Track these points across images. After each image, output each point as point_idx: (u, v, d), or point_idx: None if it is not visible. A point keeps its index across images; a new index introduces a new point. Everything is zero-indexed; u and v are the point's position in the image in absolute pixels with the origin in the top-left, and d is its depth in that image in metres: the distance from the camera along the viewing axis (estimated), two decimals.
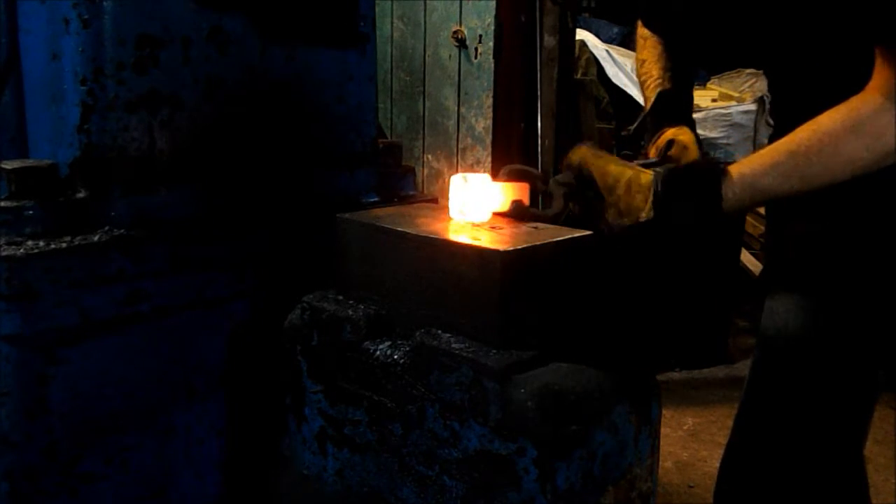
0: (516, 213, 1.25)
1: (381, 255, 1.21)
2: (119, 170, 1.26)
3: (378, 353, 1.16)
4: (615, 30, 5.54)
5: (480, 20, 3.04)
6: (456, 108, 3.17)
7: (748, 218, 3.98)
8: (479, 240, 1.12)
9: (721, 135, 4.61)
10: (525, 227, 1.22)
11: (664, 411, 1.55)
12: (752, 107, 4.58)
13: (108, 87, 1.22)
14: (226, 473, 1.41)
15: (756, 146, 4.44)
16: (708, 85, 5.04)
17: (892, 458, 2.53)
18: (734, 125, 4.60)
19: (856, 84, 1.10)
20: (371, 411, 1.18)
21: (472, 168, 3.14)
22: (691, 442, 2.74)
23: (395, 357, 1.14)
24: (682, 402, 3.04)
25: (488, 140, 3.09)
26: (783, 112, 1.38)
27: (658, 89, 1.49)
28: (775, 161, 1.13)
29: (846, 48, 1.17)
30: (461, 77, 3.13)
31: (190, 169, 1.34)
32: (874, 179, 1.12)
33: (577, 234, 1.18)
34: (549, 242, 1.13)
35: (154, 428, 1.30)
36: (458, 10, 3.09)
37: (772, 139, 1.25)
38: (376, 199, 1.62)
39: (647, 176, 1.18)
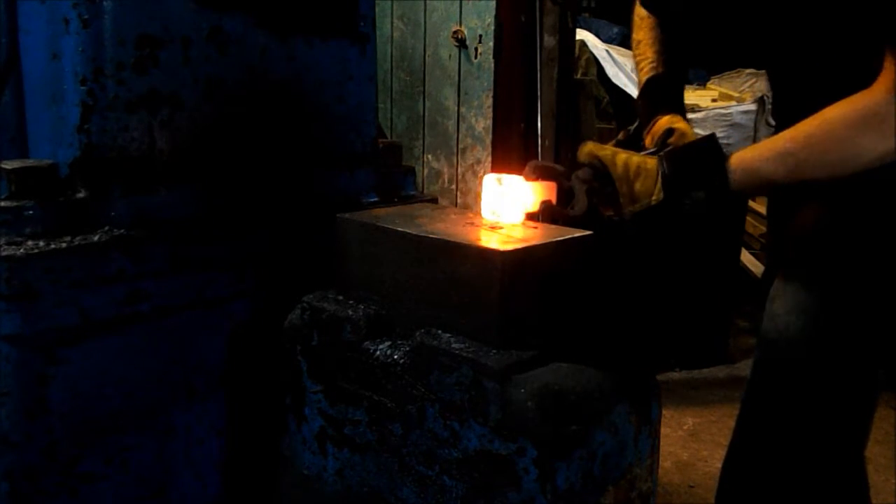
0: (547, 214, 1.25)
1: (381, 255, 1.21)
2: (119, 170, 1.26)
3: (378, 353, 1.16)
4: (615, 30, 5.53)
5: (480, 20, 3.03)
6: (456, 108, 3.16)
7: (748, 218, 3.98)
8: (479, 240, 1.12)
9: (721, 135, 4.57)
10: (525, 227, 1.22)
11: (664, 411, 1.56)
12: (752, 107, 4.58)
13: (108, 87, 1.23)
14: (226, 473, 1.41)
15: None
16: (708, 85, 5.03)
17: (892, 458, 2.53)
18: (734, 125, 4.59)
19: (859, 84, 1.10)
20: (371, 411, 1.18)
21: (471, 168, 3.14)
22: (691, 442, 2.74)
23: (395, 357, 1.14)
24: (682, 402, 3.04)
25: (488, 140, 3.09)
26: (785, 112, 1.38)
27: (650, 73, 1.50)
28: (778, 147, 1.15)
29: (850, 48, 1.17)
30: (461, 77, 3.12)
31: (190, 169, 1.34)
32: (874, 179, 1.12)
33: (577, 234, 1.18)
34: (550, 242, 1.14)
35: (154, 428, 1.30)
36: (458, 10, 3.08)
37: None
38: (376, 199, 1.62)
39: (654, 161, 1.21)
